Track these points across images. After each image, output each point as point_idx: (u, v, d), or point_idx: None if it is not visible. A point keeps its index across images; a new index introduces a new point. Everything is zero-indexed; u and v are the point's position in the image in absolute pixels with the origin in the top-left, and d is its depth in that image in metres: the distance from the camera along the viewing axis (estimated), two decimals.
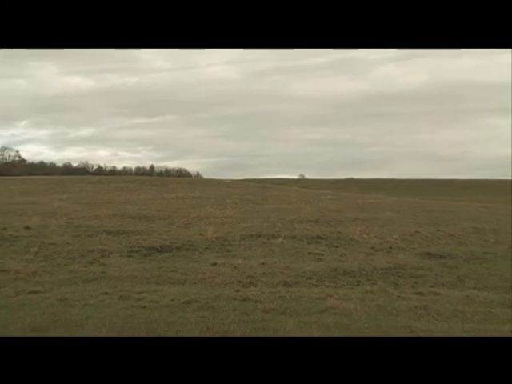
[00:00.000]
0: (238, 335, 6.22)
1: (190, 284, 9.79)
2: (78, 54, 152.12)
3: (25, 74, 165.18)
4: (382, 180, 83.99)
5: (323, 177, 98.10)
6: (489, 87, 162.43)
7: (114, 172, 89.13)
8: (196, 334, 6.36)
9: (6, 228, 15.19)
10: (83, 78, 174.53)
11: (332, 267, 11.26)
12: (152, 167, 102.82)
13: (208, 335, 6.23)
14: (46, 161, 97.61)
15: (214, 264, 11.69)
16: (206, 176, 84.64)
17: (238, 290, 9.20)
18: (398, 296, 8.92)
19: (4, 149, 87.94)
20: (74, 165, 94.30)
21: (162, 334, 6.25)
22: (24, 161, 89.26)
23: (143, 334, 6.18)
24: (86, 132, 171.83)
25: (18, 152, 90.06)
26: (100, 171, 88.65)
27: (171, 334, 6.33)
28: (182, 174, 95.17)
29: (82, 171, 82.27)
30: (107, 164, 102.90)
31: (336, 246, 14.14)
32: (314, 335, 6.28)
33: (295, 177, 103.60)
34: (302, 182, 76.32)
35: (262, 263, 11.74)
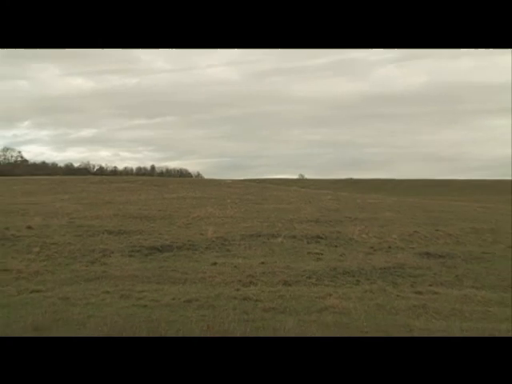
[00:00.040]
0: (238, 334, 6.24)
1: (191, 283, 9.81)
2: (80, 56, 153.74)
3: (27, 75, 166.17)
4: (381, 180, 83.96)
5: (323, 177, 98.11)
6: (487, 88, 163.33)
7: (115, 172, 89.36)
8: (196, 332, 6.38)
9: (8, 228, 15.24)
10: (84, 79, 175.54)
11: (331, 267, 11.31)
12: (153, 167, 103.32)
13: (208, 334, 6.25)
14: (47, 161, 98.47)
15: (215, 263, 11.73)
16: (206, 176, 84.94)
17: (238, 289, 9.23)
18: (397, 295, 8.96)
19: (6, 149, 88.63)
20: (76, 165, 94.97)
21: (163, 333, 6.27)
22: (26, 161, 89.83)
23: (144, 333, 6.20)
24: (87, 133, 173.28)
25: (20, 152, 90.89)
26: (101, 171, 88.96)
27: (172, 332, 6.35)
28: (182, 175, 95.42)
29: (84, 171, 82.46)
30: (108, 164, 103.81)
31: (335, 246, 14.19)
32: (314, 334, 6.31)
33: (295, 177, 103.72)
34: (301, 182, 76.30)
35: (262, 263, 11.77)
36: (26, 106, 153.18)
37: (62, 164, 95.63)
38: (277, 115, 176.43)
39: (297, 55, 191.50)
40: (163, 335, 6.19)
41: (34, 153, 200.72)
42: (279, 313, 7.64)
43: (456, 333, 6.57)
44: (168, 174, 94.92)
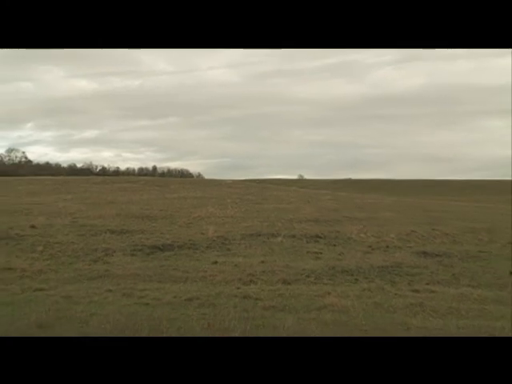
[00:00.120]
0: (239, 331, 6.27)
1: (192, 282, 9.85)
2: (84, 58, 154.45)
3: (32, 77, 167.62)
4: (380, 180, 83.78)
5: (323, 177, 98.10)
6: (486, 89, 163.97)
7: (117, 173, 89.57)
8: (197, 330, 6.42)
9: (12, 227, 15.33)
10: (88, 81, 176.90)
11: (330, 265, 11.35)
12: (155, 168, 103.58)
13: (209, 331, 6.30)
14: (51, 162, 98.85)
15: (215, 262, 11.78)
16: (207, 176, 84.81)
17: (238, 288, 9.26)
18: (395, 293, 8.99)
19: (11, 150, 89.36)
20: (79, 166, 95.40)
21: (164, 331, 6.30)
22: (30, 162, 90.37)
23: (146, 331, 6.23)
24: (90, 134, 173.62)
25: (24, 153, 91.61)
26: (104, 172, 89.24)
27: (173, 330, 6.38)
28: (183, 175, 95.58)
29: (87, 172, 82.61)
30: (111, 165, 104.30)
31: (334, 245, 14.24)
32: (313, 331, 6.35)
33: (295, 177, 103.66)
34: (301, 183, 76.19)
35: (262, 262, 11.83)
36: (31, 107, 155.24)
37: (65, 164, 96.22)
38: (277, 116, 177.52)
39: (297, 57, 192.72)
40: (164, 333, 6.22)
41: (37, 153, 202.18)
42: (279, 311, 7.67)
43: (452, 330, 6.61)
44: (169, 174, 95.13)
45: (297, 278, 10.31)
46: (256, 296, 8.58)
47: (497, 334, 6.33)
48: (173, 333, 6.28)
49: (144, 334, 6.15)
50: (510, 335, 6.39)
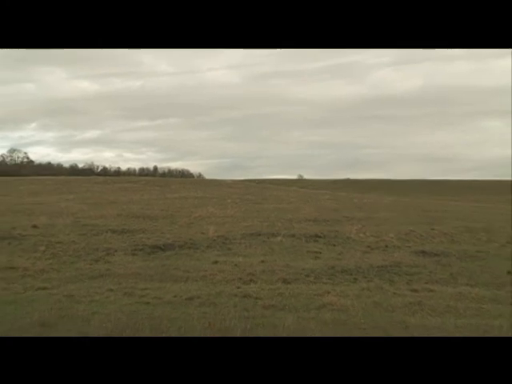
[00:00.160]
0: (239, 330, 6.31)
1: (192, 281, 9.87)
2: (85, 59, 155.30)
3: (34, 78, 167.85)
4: (379, 180, 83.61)
5: (322, 177, 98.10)
6: (484, 91, 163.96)
7: (118, 173, 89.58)
8: (198, 329, 6.46)
9: (14, 227, 15.38)
10: (89, 82, 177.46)
11: (329, 265, 11.37)
12: (155, 168, 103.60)
13: (210, 330, 6.34)
14: (53, 162, 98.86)
15: (216, 262, 11.81)
16: (207, 177, 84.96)
17: (238, 287, 9.30)
18: (394, 293, 9.02)
19: (13, 150, 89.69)
20: (80, 166, 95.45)
21: (165, 330, 6.35)
22: (32, 162, 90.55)
23: (147, 329, 6.29)
24: (91, 134, 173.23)
25: (26, 153, 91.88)
26: (105, 172, 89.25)
27: (174, 329, 6.42)
28: (184, 175, 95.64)
29: (88, 172, 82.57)
30: (112, 165, 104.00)
31: (333, 245, 14.26)
32: (313, 330, 6.39)
33: (295, 177, 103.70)
34: (300, 183, 75.99)
35: (262, 261, 11.86)
36: (33, 108, 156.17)
37: (66, 165, 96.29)
38: (277, 117, 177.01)
39: (297, 58, 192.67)
40: (165, 331, 6.27)
41: (39, 154, 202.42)
42: (279, 310, 7.71)
43: (450, 329, 6.66)
44: (170, 174, 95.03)
45: (296, 277, 10.33)
46: (256, 295, 8.61)
47: (494, 333, 6.40)
48: (173, 331, 6.32)
49: (145, 332, 6.21)
50: (507, 334, 6.42)
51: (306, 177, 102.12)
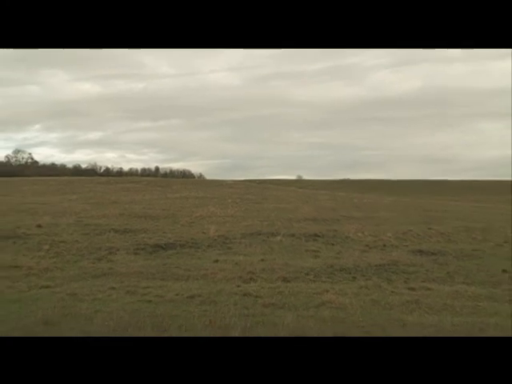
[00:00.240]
0: (239, 328, 6.35)
1: (193, 280, 9.94)
2: (88, 62, 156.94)
3: (38, 80, 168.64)
4: (378, 181, 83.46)
5: (322, 178, 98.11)
6: (483, 92, 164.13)
7: (120, 173, 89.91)
8: (199, 327, 6.51)
9: (19, 226, 15.51)
10: (92, 84, 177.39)
11: (328, 264, 11.47)
12: (157, 169, 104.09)
13: (210, 328, 6.40)
14: (56, 163, 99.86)
15: (216, 261, 11.90)
16: (208, 177, 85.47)
17: (238, 286, 9.36)
18: (391, 291, 9.10)
19: (17, 151, 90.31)
20: (83, 166, 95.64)
21: (167, 327, 6.41)
22: (36, 162, 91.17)
23: (149, 327, 6.34)
24: (94, 135, 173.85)
25: (30, 154, 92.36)
26: (108, 172, 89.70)
27: (175, 327, 6.47)
28: (185, 175, 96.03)
29: (91, 172, 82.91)
30: (114, 166, 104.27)
31: (332, 244, 14.38)
32: (312, 328, 6.45)
33: (294, 178, 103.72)
34: (300, 183, 76.02)
35: (262, 260, 11.95)
36: (37, 110, 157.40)
37: (70, 165, 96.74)
38: (277, 118, 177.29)
39: (296, 60, 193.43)
40: (167, 329, 6.33)
41: (43, 155, 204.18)
42: (278, 308, 7.76)
43: (447, 327, 6.73)
44: (171, 174, 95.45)
45: (296, 275, 10.41)
46: (256, 293, 8.68)
47: (490, 330, 6.46)
48: (175, 329, 6.38)
49: (147, 330, 6.27)
50: (503, 331, 6.48)
51: (306, 177, 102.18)
